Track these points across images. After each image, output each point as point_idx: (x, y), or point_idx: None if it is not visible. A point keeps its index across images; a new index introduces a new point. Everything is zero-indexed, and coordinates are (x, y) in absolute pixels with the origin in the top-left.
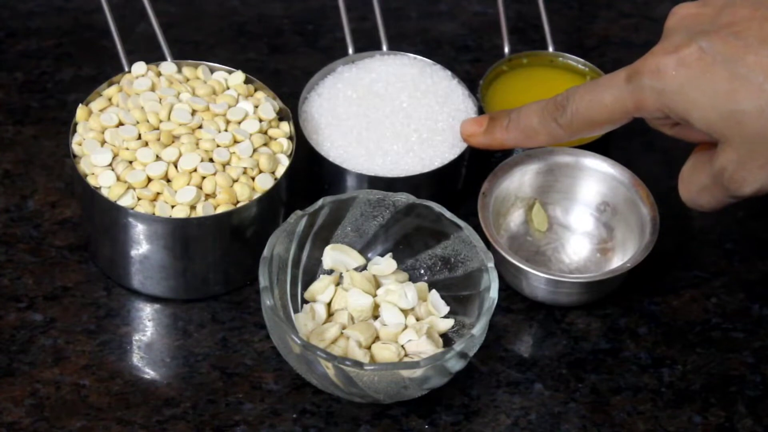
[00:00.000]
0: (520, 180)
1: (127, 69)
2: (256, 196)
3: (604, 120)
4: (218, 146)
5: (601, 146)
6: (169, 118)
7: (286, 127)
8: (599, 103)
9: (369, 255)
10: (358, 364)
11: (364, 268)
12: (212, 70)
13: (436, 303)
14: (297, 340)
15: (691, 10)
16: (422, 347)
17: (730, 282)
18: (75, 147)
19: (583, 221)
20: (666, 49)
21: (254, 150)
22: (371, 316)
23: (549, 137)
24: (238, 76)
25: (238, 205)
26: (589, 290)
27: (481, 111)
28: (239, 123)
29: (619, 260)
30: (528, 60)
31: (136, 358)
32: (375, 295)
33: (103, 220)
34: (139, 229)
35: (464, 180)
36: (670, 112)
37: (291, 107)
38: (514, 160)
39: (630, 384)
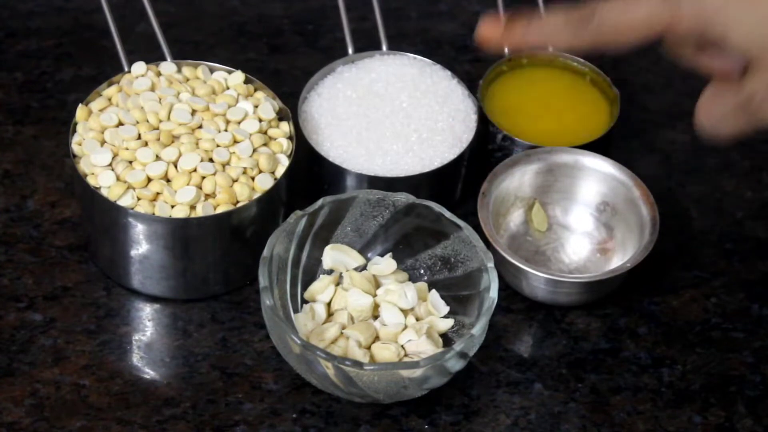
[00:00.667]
0: (520, 180)
1: (126, 69)
2: (255, 196)
3: (632, 32)
4: (218, 146)
5: (601, 146)
6: (168, 118)
7: (285, 127)
8: (632, 14)
9: (369, 255)
10: (358, 364)
11: (363, 268)
12: (212, 70)
13: (436, 303)
14: (297, 340)
15: None
16: (422, 347)
17: (730, 282)
18: (75, 147)
19: (583, 221)
20: None
21: (254, 150)
22: (371, 316)
23: (572, 39)
24: (238, 76)
25: (238, 205)
26: (588, 290)
27: (480, 111)
28: (239, 123)
29: (619, 260)
30: (528, 60)
31: (136, 358)
32: (375, 295)
33: (103, 220)
34: (138, 229)
35: (464, 180)
36: (706, 31)
37: (291, 107)
38: (513, 160)
39: (630, 384)
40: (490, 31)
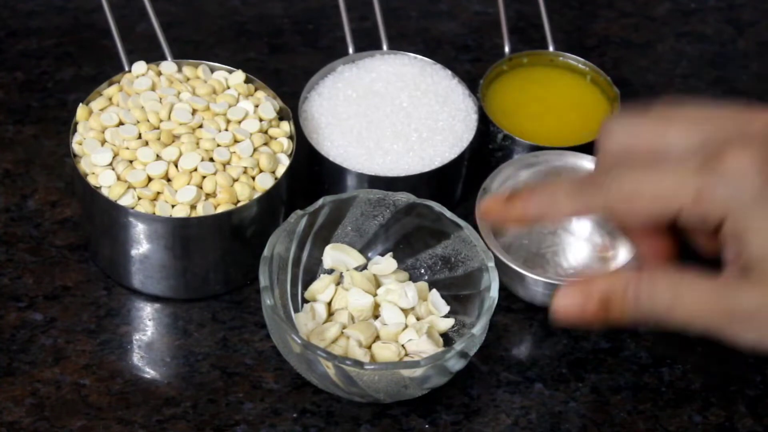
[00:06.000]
0: (524, 181)
1: (127, 68)
2: (256, 195)
3: (648, 206)
4: (218, 146)
5: None
6: (169, 118)
7: (286, 126)
8: (654, 184)
9: (369, 254)
10: (359, 364)
11: (364, 267)
12: (212, 70)
13: (437, 302)
14: (297, 339)
15: None
16: (422, 347)
17: None
18: (75, 146)
19: (584, 226)
20: None
21: (254, 149)
22: (371, 315)
23: (573, 209)
24: (239, 75)
25: (239, 204)
26: None
27: (481, 111)
28: (239, 122)
29: (619, 265)
30: (528, 59)
31: (137, 358)
32: (375, 295)
33: (104, 219)
34: (139, 229)
35: (465, 179)
36: (726, 222)
37: (291, 107)
38: (513, 162)
39: (630, 383)
40: (490, 206)
